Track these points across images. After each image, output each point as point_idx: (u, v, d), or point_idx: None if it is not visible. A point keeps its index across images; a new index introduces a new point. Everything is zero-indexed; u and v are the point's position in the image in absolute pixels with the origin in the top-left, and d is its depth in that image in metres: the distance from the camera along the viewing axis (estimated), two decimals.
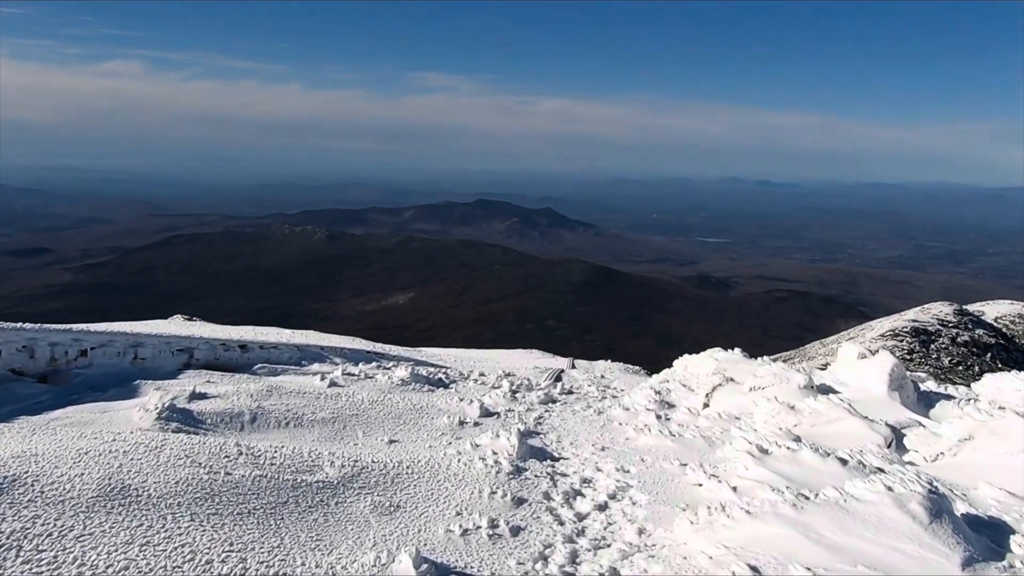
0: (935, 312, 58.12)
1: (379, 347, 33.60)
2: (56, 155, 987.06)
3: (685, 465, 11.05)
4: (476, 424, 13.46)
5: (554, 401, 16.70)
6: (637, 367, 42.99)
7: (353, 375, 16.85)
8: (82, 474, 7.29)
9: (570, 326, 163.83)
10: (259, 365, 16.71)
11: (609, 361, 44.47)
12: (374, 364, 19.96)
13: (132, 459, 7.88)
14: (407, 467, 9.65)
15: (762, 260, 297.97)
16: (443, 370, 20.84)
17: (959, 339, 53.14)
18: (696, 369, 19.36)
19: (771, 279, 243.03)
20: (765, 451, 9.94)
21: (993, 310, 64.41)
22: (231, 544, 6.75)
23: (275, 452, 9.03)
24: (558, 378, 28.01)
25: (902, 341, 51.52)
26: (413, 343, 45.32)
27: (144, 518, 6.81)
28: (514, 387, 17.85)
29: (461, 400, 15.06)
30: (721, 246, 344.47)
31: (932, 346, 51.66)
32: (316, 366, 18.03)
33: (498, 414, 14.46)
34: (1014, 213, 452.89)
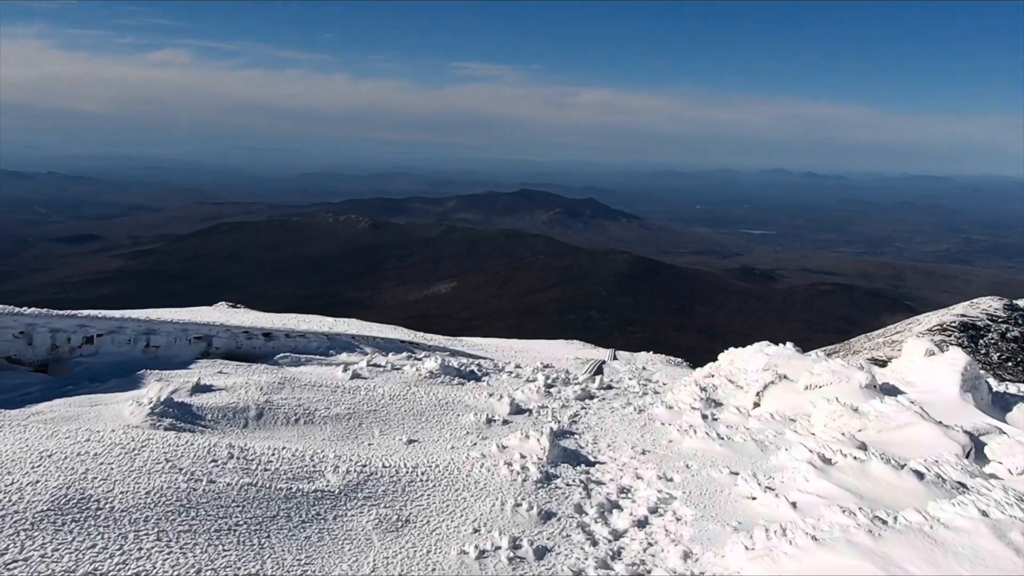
0: (984, 307, 56.83)
1: (419, 336, 32.91)
2: (106, 144, 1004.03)
3: (736, 474, 9.82)
4: (505, 422, 12.47)
5: (592, 397, 15.60)
6: (679, 359, 41.99)
7: (380, 366, 15.91)
8: (37, 481, 6.28)
9: (612, 317, 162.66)
10: (282, 355, 15.87)
11: (651, 353, 43.52)
12: (405, 355, 18.69)
13: (102, 463, 6.86)
14: (422, 473, 8.70)
15: (807, 253, 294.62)
16: (476, 362, 19.79)
17: (1009, 335, 51.85)
18: (743, 364, 18.28)
19: (816, 272, 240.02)
20: (828, 460, 8.85)
21: None
22: (198, 571, 5.69)
23: (273, 455, 8.08)
24: (599, 370, 27.18)
25: (950, 336, 49.98)
26: (455, 332, 44.63)
27: (100, 536, 5.76)
28: (549, 381, 16.70)
29: (491, 395, 14.05)
30: (766, 238, 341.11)
31: (981, 342, 50.38)
32: (344, 356, 17.07)
33: (530, 411, 13.50)
34: None
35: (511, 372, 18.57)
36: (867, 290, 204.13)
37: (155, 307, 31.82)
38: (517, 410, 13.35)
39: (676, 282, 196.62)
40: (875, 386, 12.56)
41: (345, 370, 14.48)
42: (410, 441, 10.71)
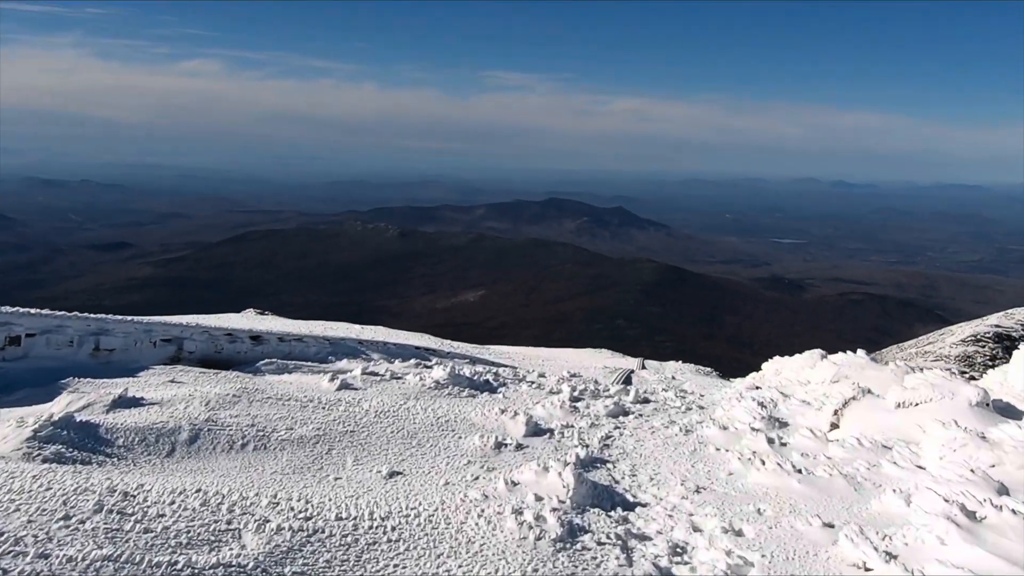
0: (1019, 317, 55.10)
1: (445, 343, 31.89)
2: (139, 152, 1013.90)
3: (831, 526, 7.28)
4: (519, 447, 10.25)
5: (626, 413, 13.43)
6: (709, 369, 40.46)
7: (377, 375, 14.17)
8: None
9: (640, 326, 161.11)
10: (266, 361, 14.27)
11: (680, 362, 42.00)
12: (413, 362, 17.31)
13: None
14: (394, 527, 6.33)
15: (837, 262, 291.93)
16: (494, 370, 17.89)
17: None
18: (794, 374, 16.68)
19: (846, 281, 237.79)
20: (972, 514, 6.33)
21: None
22: None
23: (172, 503, 5.83)
24: (627, 379, 25.70)
25: (984, 347, 49.14)
26: (482, 341, 43.57)
27: None
28: (576, 393, 14.64)
29: (503, 412, 11.82)
30: (795, 247, 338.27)
31: (1016, 352, 47.75)
32: (343, 363, 15.65)
33: (551, 432, 11.27)
34: None
35: (532, 382, 16.57)
36: (899, 300, 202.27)
37: (184, 313, 30.92)
38: (535, 430, 11.25)
39: (704, 291, 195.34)
40: (988, 404, 10.15)
41: (333, 379, 12.92)
42: (391, 474, 8.64)
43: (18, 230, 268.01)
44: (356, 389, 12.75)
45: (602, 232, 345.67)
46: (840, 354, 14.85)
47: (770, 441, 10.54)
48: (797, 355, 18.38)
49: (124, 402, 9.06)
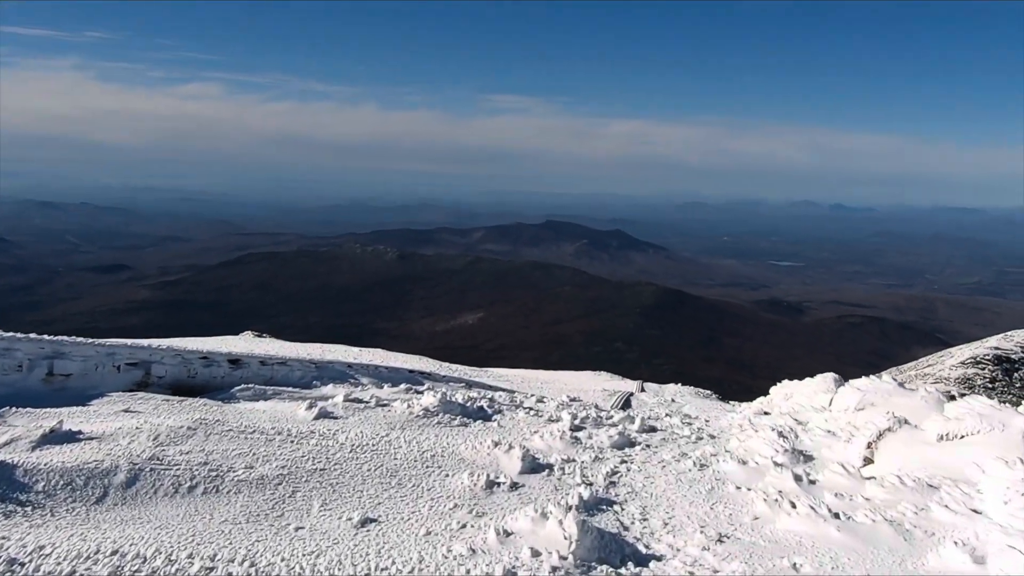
0: (1018, 340, 55.35)
1: (444, 366, 31.65)
2: (138, 175, 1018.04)
3: None
4: (514, 487, 9.08)
5: (632, 444, 12.32)
6: (708, 391, 39.98)
7: (361, 402, 13.06)
8: None
9: (639, 349, 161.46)
10: (242, 387, 13.28)
11: (679, 384, 41.69)
12: (404, 387, 16.27)
13: None
14: None
15: (836, 285, 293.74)
16: (490, 395, 17.02)
17: None
18: (806, 400, 15.51)
19: (845, 304, 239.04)
20: None
21: None
22: None
23: (73, 573, 4.75)
24: (627, 403, 25.27)
25: (983, 369, 49.46)
26: (481, 363, 43.19)
27: None
28: (577, 421, 13.66)
29: (497, 444, 10.66)
30: (794, 270, 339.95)
31: (1016, 375, 49.27)
32: (329, 388, 14.67)
33: (550, 467, 10.11)
34: None
35: (530, 409, 15.42)
36: (897, 322, 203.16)
37: (183, 336, 30.25)
38: (532, 466, 10.04)
39: (703, 314, 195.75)
40: None
41: (311, 407, 11.87)
42: (364, 521, 7.44)
43: (15, 252, 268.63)
44: (336, 418, 11.81)
45: (601, 255, 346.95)
46: (864, 379, 13.51)
47: (797, 479, 9.32)
48: (808, 379, 17.04)
49: (56, 437, 7.91)
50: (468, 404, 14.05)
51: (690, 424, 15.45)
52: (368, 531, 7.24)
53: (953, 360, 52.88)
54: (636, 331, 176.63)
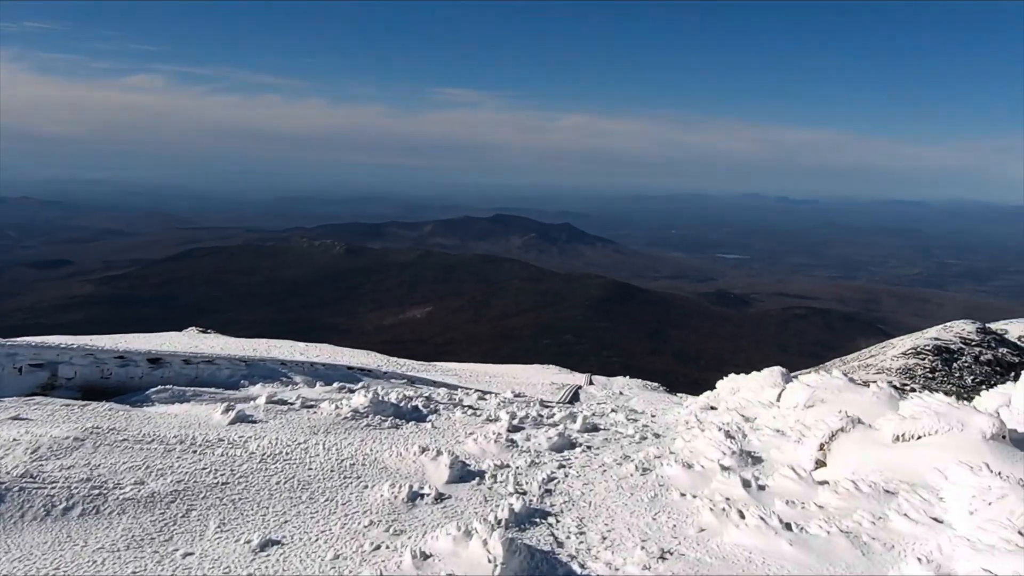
0: (957, 330, 57.21)
1: (391, 361, 31.68)
2: (80, 168, 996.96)
3: None
4: (439, 499, 8.48)
5: (573, 445, 11.83)
6: (656, 384, 41.13)
7: (286, 404, 12.58)
8: None
9: (588, 342, 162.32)
10: (159, 388, 12.55)
11: (627, 377, 42.63)
12: (336, 386, 15.85)
13: None
14: None
15: (781, 277, 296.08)
16: (427, 393, 16.29)
17: (982, 358, 52.17)
18: (752, 395, 15.17)
19: (791, 296, 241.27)
20: None
21: (1017, 328, 63.35)
22: None
23: None
24: (575, 396, 26.11)
25: (924, 359, 50.76)
26: (429, 358, 43.73)
27: None
28: (517, 421, 13.15)
29: (424, 451, 9.95)
30: (740, 262, 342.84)
31: (955, 365, 50.83)
32: (257, 388, 14.07)
33: (481, 475, 9.51)
34: None
35: (469, 407, 14.96)
36: (841, 314, 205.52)
37: (127, 332, 30.74)
38: (462, 474, 9.42)
39: (651, 306, 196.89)
40: (1004, 436, 8.81)
41: (228, 410, 11.22)
42: (265, 544, 6.90)
43: None
44: (254, 422, 11.11)
45: (550, 248, 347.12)
46: (813, 374, 13.42)
47: (746, 484, 8.82)
48: (755, 373, 16.73)
49: None
50: (402, 404, 13.38)
51: (635, 421, 15.07)
52: (268, 556, 6.64)
53: (895, 351, 54.55)
54: (585, 324, 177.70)
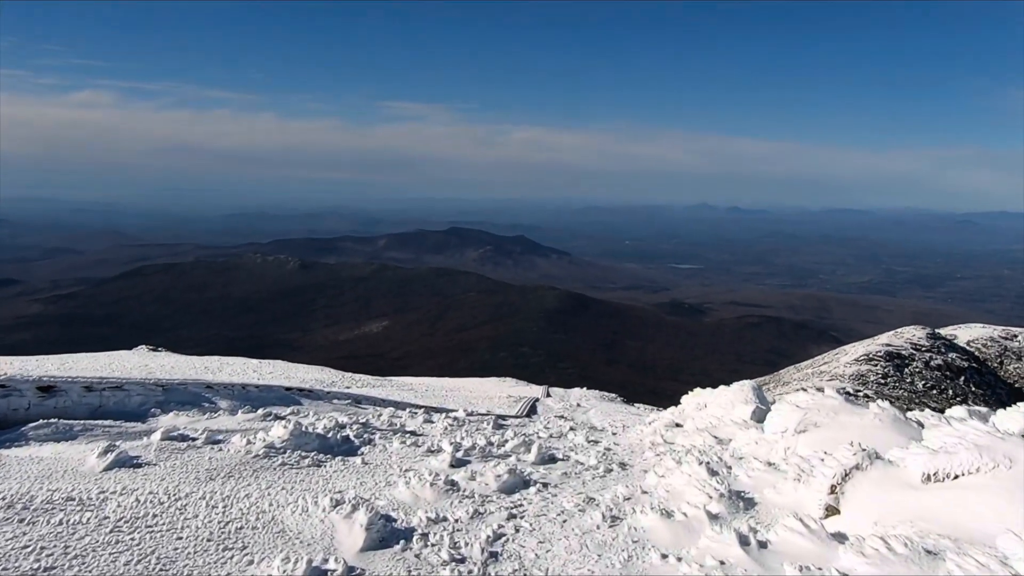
0: (908, 336, 58.09)
1: (345, 376, 31.26)
2: (25, 185, 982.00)
3: None
4: (349, 573, 6.61)
5: (526, 483, 9.86)
6: (614, 395, 41.09)
7: (187, 439, 10.51)
8: None
9: (544, 353, 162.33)
10: (38, 423, 10.56)
11: (585, 388, 42.57)
12: (261, 413, 13.86)
13: None
14: None
15: (734, 286, 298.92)
16: (364, 419, 14.48)
17: (932, 363, 52.81)
18: (722, 411, 13.71)
19: (744, 305, 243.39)
20: None
21: (965, 334, 64.20)
22: None
23: None
24: (533, 408, 25.91)
25: (876, 365, 51.20)
26: (385, 372, 43.40)
27: None
28: (461, 453, 11.17)
29: (337, 506, 7.94)
30: (693, 272, 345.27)
31: (906, 370, 51.43)
32: (168, 417, 12.33)
33: (408, 535, 7.48)
34: (982, 238, 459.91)
35: (410, 433, 13.13)
36: (794, 322, 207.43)
37: (76, 352, 30.15)
38: (383, 536, 7.40)
39: (606, 317, 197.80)
40: None
41: (106, 452, 9.09)
42: None
43: None
44: (137, 467, 9.06)
45: (505, 260, 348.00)
46: (803, 393, 11.43)
47: (743, 541, 6.97)
48: (723, 387, 15.14)
49: None
50: (330, 435, 11.59)
51: (596, 443, 13.42)
52: None
53: (848, 357, 55.04)
54: (541, 335, 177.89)
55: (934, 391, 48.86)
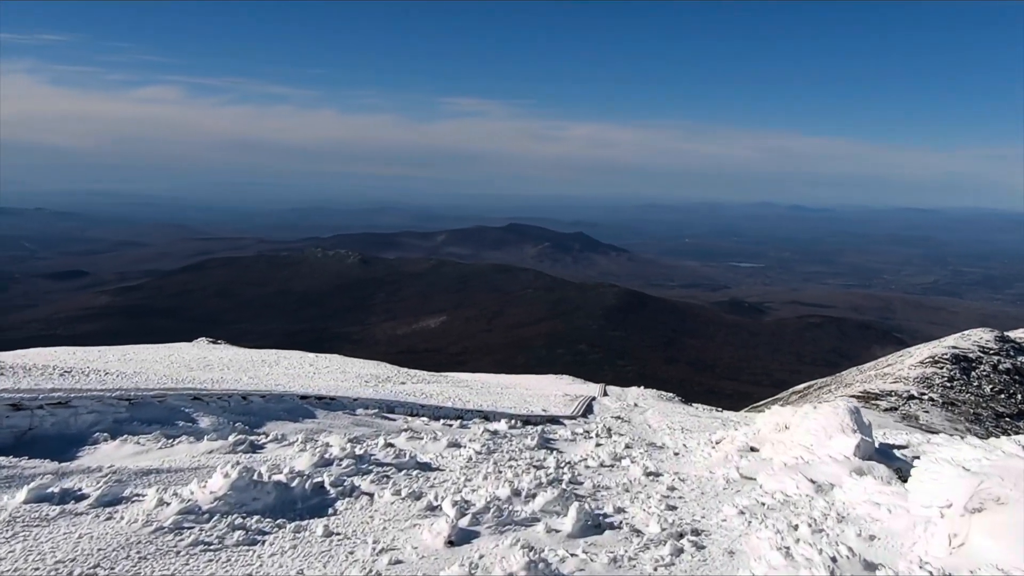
0: (975, 339, 56.45)
1: (402, 372, 31.08)
2: (94, 180, 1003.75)
3: None
4: None
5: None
6: (671, 394, 40.77)
7: (73, 497, 6.51)
8: None
9: (602, 351, 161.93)
10: None
11: (642, 388, 42.37)
12: (231, 440, 9.80)
13: None
14: None
15: (796, 285, 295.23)
16: (358, 452, 9.84)
17: (1001, 366, 51.37)
18: (810, 438, 10.09)
19: (805, 304, 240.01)
20: None
21: None
22: None
23: None
24: (589, 407, 25.69)
25: (942, 368, 49.84)
26: (443, 367, 43.67)
27: None
28: (467, 520, 6.91)
29: None
30: (754, 271, 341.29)
31: (973, 374, 49.81)
32: (111, 446, 8.85)
33: None
34: None
35: (416, 473, 9.27)
36: (857, 322, 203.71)
37: (141, 343, 30.68)
38: None
39: (665, 315, 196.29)
40: None
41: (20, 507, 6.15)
42: None
43: None
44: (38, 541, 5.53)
45: (564, 257, 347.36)
46: (967, 445, 7.30)
47: None
48: (809, 407, 11.39)
49: None
50: (295, 483, 7.53)
51: (657, 478, 9.84)
52: None
53: (912, 359, 53.66)
54: (599, 333, 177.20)
55: (1002, 395, 47.63)
